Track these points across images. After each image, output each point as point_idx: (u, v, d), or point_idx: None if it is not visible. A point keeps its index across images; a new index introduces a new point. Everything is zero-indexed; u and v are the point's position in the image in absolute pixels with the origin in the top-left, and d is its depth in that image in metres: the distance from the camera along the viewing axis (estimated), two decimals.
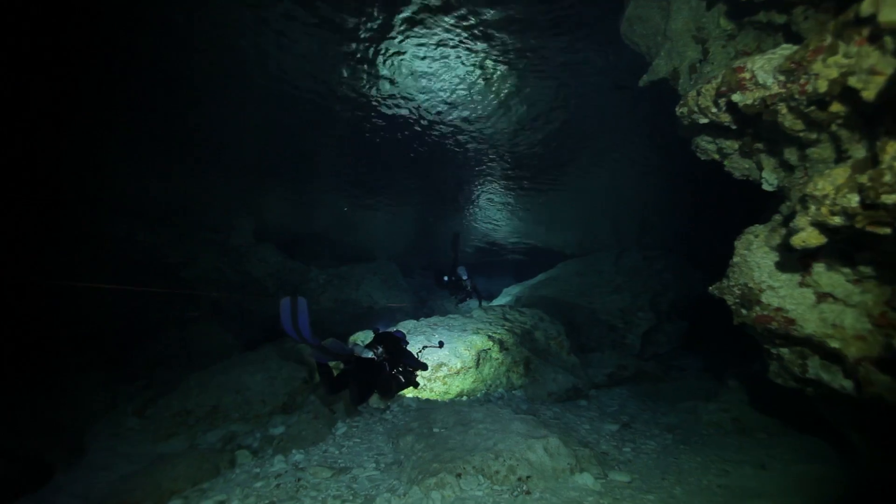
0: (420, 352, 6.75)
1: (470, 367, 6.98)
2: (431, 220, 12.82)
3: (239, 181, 10.46)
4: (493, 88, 6.75)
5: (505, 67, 6.27)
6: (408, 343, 6.67)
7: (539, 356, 7.37)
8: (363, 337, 7.84)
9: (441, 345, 6.97)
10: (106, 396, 6.92)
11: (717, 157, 3.89)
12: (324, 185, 10.83)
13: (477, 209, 11.53)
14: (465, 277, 10.16)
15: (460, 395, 6.68)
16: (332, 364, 5.67)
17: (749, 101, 2.90)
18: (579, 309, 10.02)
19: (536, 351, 7.51)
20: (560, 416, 5.19)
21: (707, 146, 3.88)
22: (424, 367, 6.36)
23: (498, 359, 7.13)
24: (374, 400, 6.12)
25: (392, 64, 6.29)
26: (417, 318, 8.51)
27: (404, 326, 8.07)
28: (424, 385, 6.67)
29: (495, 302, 13.13)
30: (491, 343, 7.28)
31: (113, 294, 9.81)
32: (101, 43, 5.63)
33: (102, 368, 7.90)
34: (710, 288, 3.49)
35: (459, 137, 7.98)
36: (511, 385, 6.88)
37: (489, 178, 9.77)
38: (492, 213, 11.39)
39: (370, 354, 5.24)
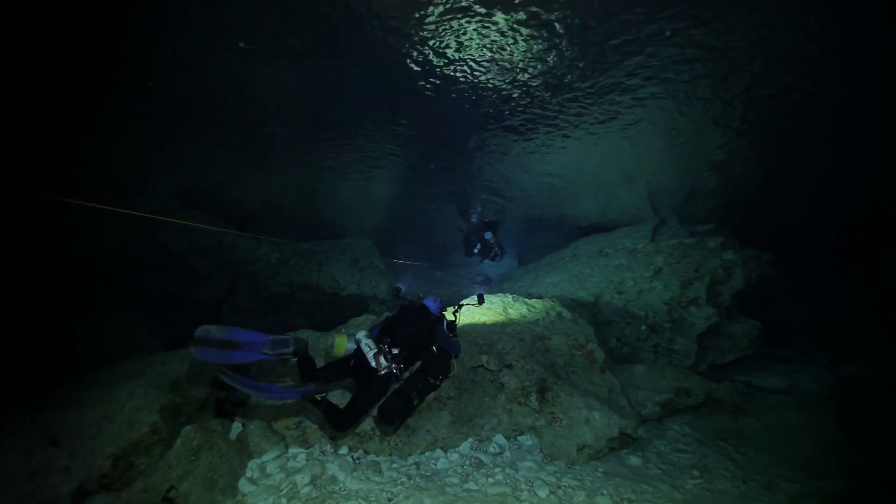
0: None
1: (450, 397, 4.32)
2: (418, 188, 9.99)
3: (157, 126, 7.57)
4: None
5: None
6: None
7: (559, 376, 4.71)
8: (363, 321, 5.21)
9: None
10: None
11: None
12: (276, 139, 7.87)
13: (476, 168, 8.65)
14: (488, 238, 10.81)
15: (431, 445, 4.04)
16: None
17: None
18: (606, 301, 7.34)
19: (554, 368, 4.85)
20: None
21: None
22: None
23: (495, 382, 4.48)
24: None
25: None
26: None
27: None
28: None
29: (493, 293, 10.46)
30: (484, 357, 4.62)
31: None
32: None
33: None
34: None
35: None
36: (516, 427, 4.24)
37: (492, 122, 6.88)
38: (493, 170, 8.46)
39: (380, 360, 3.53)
